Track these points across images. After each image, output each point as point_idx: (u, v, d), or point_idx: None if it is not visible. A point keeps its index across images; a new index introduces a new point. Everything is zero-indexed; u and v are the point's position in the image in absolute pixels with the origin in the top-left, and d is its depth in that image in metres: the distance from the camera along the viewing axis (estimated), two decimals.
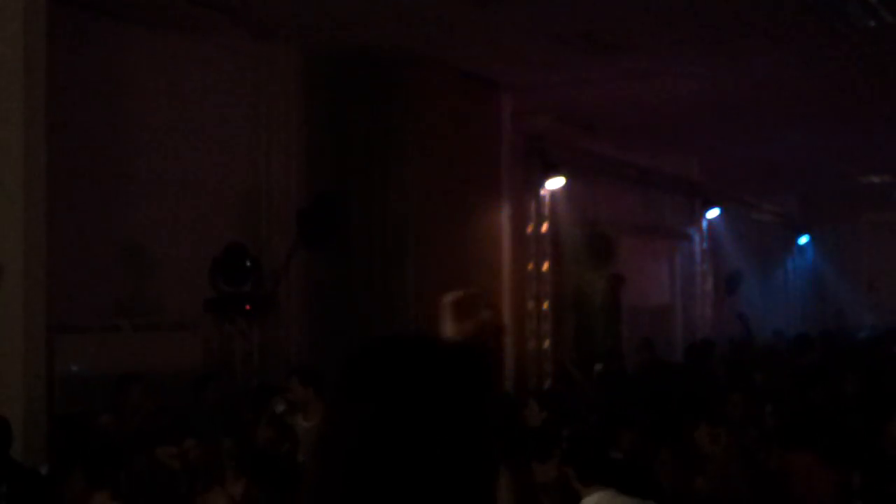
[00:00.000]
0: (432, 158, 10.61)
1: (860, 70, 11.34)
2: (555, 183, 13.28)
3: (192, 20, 9.10)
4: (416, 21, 9.36)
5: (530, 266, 13.21)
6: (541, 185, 13.25)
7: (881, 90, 12.28)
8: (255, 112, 9.95)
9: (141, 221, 8.90)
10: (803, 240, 24.58)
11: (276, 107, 9.97)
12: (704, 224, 18.75)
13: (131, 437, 6.52)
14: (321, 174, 10.27)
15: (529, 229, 13.23)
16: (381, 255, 10.46)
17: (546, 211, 13.45)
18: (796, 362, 12.06)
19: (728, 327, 18.11)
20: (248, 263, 9.17)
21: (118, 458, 5.23)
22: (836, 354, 13.59)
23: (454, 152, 10.91)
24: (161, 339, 8.90)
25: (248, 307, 9.27)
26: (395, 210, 10.45)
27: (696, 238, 18.76)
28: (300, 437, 6.82)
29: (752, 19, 9.38)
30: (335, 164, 10.50)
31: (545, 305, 13.36)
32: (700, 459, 6.03)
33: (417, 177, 10.50)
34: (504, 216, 12.16)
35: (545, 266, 13.39)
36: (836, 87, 12.20)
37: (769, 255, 23.16)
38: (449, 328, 2.24)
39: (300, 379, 7.60)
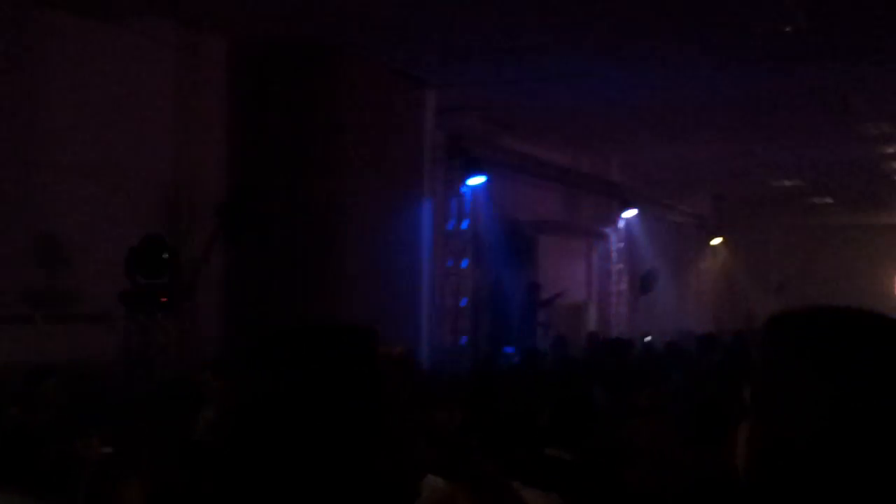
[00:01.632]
0: (356, 152, 10.59)
1: (774, 75, 11.59)
2: (476, 180, 13.34)
3: (113, 7, 8.95)
4: (342, 15, 9.33)
5: (450, 262, 13.26)
6: (462, 182, 13.30)
7: (794, 96, 12.57)
8: (177, 102, 9.82)
9: (56, 211, 8.72)
10: (715, 241, 25.02)
11: (199, 97, 9.85)
12: (621, 224, 19.01)
13: (42, 429, 6.39)
14: (244, 166, 10.18)
15: (450, 225, 13.28)
16: (305, 247, 10.39)
17: (467, 208, 13.51)
18: (700, 361, 12.29)
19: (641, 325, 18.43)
20: (166, 255, 9.03)
21: (27, 450, 5.12)
22: (739, 355, 13.84)
23: (378, 147, 10.90)
24: (75, 330, 8.73)
25: (164, 299, 9.13)
26: (319, 203, 10.40)
27: (613, 237, 19.02)
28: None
29: (669, 24, 9.52)
30: (259, 155, 10.40)
31: (464, 302, 13.42)
32: (629, 454, 6.09)
33: (341, 170, 10.47)
34: (425, 212, 12.19)
35: (464, 263, 13.45)
36: (751, 92, 12.45)
37: (682, 255, 23.56)
38: None
39: (214, 372, 7.52)
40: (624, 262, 19.37)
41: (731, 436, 1.38)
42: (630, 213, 18.88)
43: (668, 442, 6.17)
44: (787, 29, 9.46)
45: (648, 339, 18.40)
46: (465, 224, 13.48)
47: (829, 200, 23.74)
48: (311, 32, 9.89)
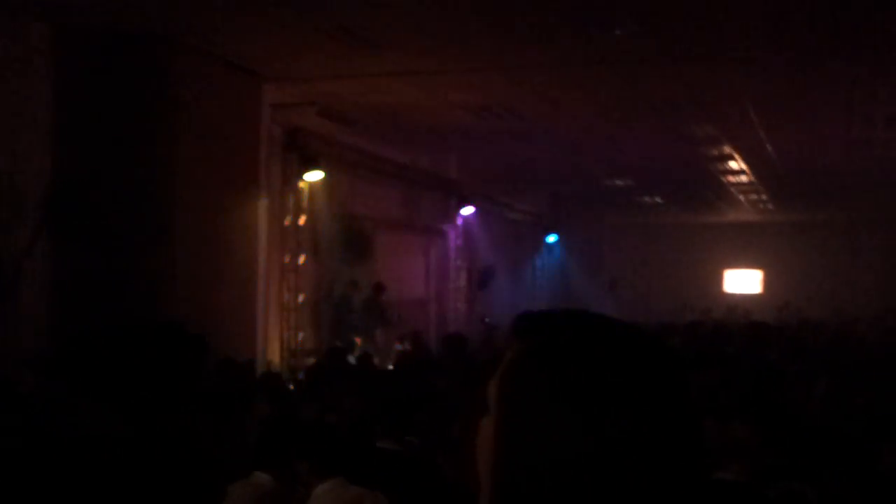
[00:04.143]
0: (192, 146, 10.38)
1: (605, 76, 11.91)
2: (313, 176, 13.27)
3: None
4: (175, 5, 9.13)
5: (287, 258, 13.15)
6: (300, 177, 13.20)
7: (626, 96, 12.94)
8: None
9: None
10: (551, 239, 25.55)
11: (22, 85, 9.46)
12: (459, 221, 19.22)
13: None
14: (73, 157, 9.84)
15: (287, 222, 13.16)
16: (135, 242, 10.11)
17: (304, 203, 13.42)
18: None
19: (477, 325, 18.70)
20: None
21: None
22: None
23: (214, 141, 10.72)
24: None
25: None
26: (150, 197, 10.14)
27: (451, 234, 19.21)
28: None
29: (505, 23, 9.67)
30: (88, 147, 10.06)
31: (301, 298, 13.33)
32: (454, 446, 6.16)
33: (173, 164, 10.24)
34: (262, 207, 12.05)
35: (302, 259, 13.36)
36: (583, 91, 12.77)
37: (519, 252, 23.99)
38: None
39: (33, 371, 7.26)
40: (462, 259, 19.59)
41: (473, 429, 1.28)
42: (468, 211, 19.10)
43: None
44: (618, 32, 9.72)
45: (488, 320, 18.75)
46: (302, 220, 13.38)
47: (658, 200, 24.56)
48: (145, 23, 9.64)
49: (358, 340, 14.23)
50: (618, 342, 1.22)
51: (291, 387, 10.94)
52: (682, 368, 1.25)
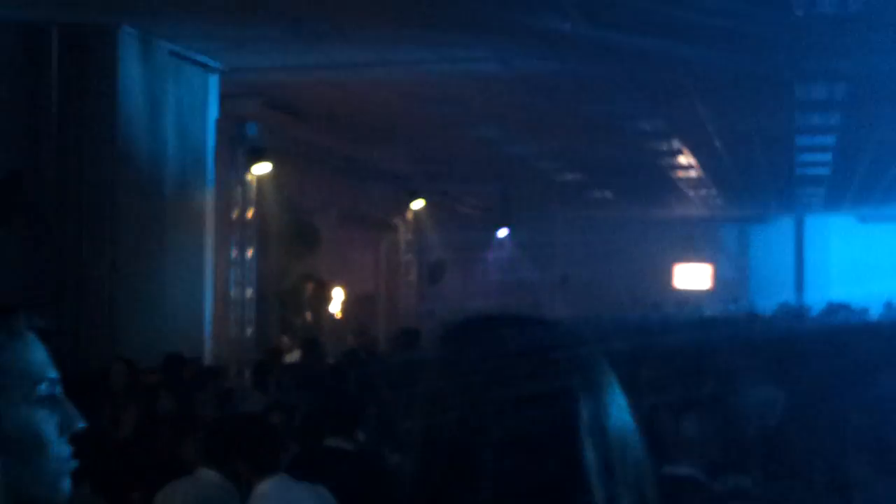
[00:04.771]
0: (135, 138, 10.20)
1: (554, 71, 11.90)
2: (261, 168, 13.10)
3: None
4: None
5: (235, 252, 12.98)
6: (247, 170, 13.03)
7: (576, 93, 12.95)
8: None
9: None
10: (502, 232, 25.52)
11: None
12: (410, 215, 19.14)
13: None
14: (13, 148, 9.62)
15: (235, 215, 12.99)
16: (77, 235, 9.93)
17: (252, 196, 13.25)
18: None
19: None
20: None
21: None
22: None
23: (159, 133, 10.55)
24: None
25: None
26: (92, 189, 9.95)
27: (402, 228, 19.13)
28: None
29: (451, 16, 9.61)
30: (29, 138, 9.85)
31: (249, 292, 13.17)
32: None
33: (118, 157, 10.05)
34: (208, 200, 11.88)
35: (250, 252, 13.20)
36: (535, 87, 12.75)
37: (470, 246, 23.95)
38: None
39: None
40: (413, 253, 19.52)
41: None
42: (418, 205, 19.02)
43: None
44: (565, 26, 9.70)
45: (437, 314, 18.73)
46: (250, 213, 13.22)
47: (609, 195, 24.64)
48: (85, 11, 9.45)
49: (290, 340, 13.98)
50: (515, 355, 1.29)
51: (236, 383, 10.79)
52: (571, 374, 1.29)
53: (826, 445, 5.15)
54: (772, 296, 27.27)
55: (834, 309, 17.78)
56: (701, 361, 10.76)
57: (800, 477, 4.78)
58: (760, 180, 21.56)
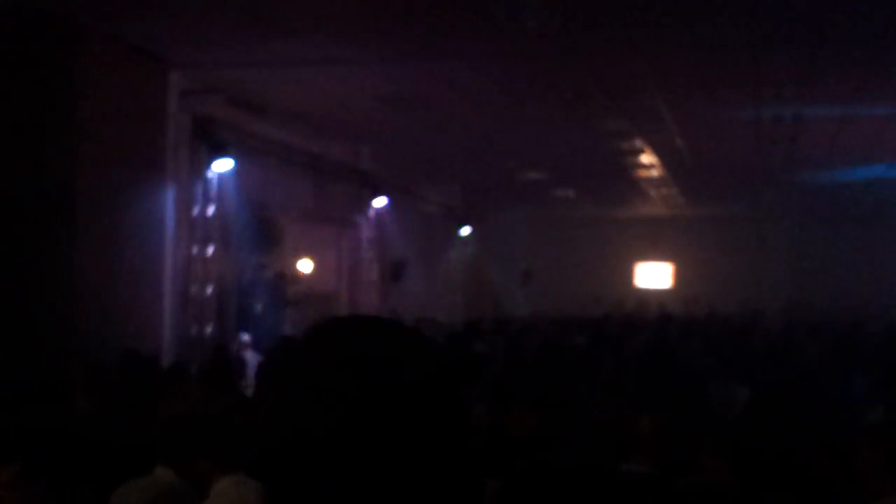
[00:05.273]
0: (94, 134, 10.08)
1: (517, 68, 11.91)
2: (223, 165, 13.00)
3: None
4: None
5: (195, 249, 12.87)
6: (208, 166, 12.93)
7: (539, 90, 12.96)
8: None
9: None
10: (465, 231, 25.54)
11: None
12: (372, 212, 19.09)
13: None
14: None
15: (196, 211, 12.88)
16: (38, 233, 9.80)
17: (213, 193, 13.14)
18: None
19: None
20: None
21: None
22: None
23: (118, 129, 10.44)
24: None
25: None
26: (49, 188, 9.82)
27: (364, 226, 19.07)
28: None
29: (416, 14, 9.59)
30: None
31: (209, 290, 13.07)
32: None
33: (77, 153, 9.93)
34: (168, 197, 11.79)
35: (210, 250, 13.09)
36: (497, 84, 12.75)
37: (433, 244, 23.94)
38: None
39: None
40: (374, 251, 19.46)
41: None
42: (381, 202, 18.97)
43: None
44: (530, 24, 9.70)
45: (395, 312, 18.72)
46: (211, 210, 13.11)
47: (571, 193, 24.71)
48: (42, 6, 9.33)
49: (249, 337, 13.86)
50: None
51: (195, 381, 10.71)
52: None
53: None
54: (732, 294, 27.56)
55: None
56: (659, 359, 10.84)
57: (762, 472, 4.80)
58: (722, 179, 21.72)
